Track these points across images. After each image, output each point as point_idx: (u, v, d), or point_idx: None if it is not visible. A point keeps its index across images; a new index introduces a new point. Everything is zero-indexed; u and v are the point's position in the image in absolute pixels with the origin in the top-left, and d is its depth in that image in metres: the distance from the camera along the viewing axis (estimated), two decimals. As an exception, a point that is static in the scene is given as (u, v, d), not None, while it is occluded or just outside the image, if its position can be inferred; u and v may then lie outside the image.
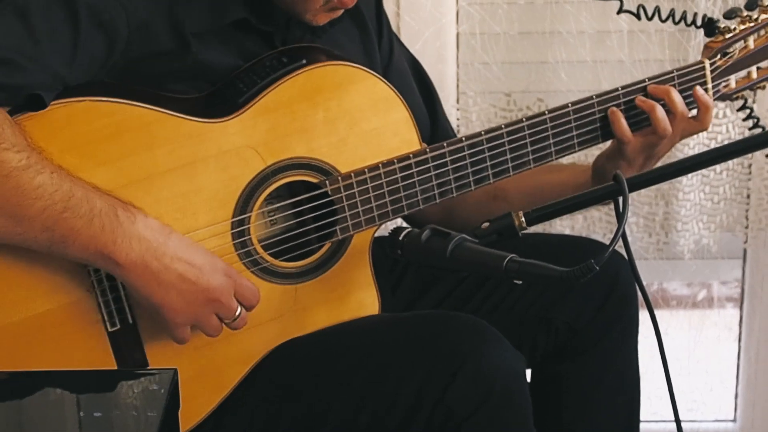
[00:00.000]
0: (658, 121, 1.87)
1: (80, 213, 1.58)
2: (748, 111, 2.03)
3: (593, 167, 1.97)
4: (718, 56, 1.94)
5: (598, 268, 1.50)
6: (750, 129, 2.05)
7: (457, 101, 2.55)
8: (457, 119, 2.55)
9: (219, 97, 1.75)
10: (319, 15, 1.77)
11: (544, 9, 2.50)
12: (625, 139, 1.88)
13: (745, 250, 2.67)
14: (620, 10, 2.00)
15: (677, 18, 1.97)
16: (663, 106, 1.87)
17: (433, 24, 2.49)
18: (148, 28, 1.67)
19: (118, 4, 1.64)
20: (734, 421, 2.78)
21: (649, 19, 1.98)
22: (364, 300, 1.86)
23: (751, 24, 1.94)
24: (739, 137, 2.53)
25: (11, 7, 1.60)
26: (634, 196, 2.59)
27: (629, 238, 2.53)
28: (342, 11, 1.79)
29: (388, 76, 1.88)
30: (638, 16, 1.99)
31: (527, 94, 2.55)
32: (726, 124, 2.55)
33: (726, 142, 2.52)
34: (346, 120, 1.76)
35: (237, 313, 1.71)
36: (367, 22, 1.97)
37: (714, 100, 1.94)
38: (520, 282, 1.59)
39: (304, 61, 1.74)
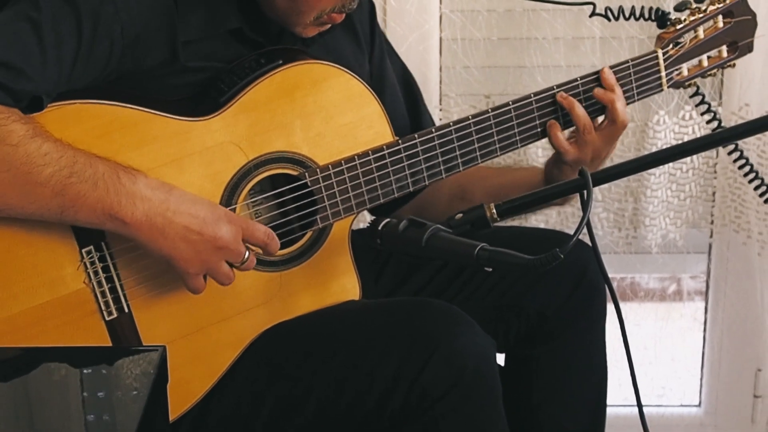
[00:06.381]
0: (578, 118, 1.87)
1: (85, 177, 1.58)
2: (700, 97, 2.05)
3: (545, 171, 1.98)
4: (671, 46, 1.95)
5: (563, 256, 1.51)
6: (702, 114, 2.07)
7: (440, 102, 2.55)
8: (440, 119, 2.55)
9: (202, 97, 1.75)
10: (308, 28, 1.78)
11: (522, 16, 2.50)
12: (562, 150, 1.89)
13: (710, 245, 2.66)
14: (593, 14, 2.02)
15: (637, 14, 1.99)
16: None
17: (417, 29, 2.48)
18: (142, 41, 1.67)
19: (117, 18, 1.64)
20: (699, 405, 2.77)
21: (617, 19, 2.01)
22: (346, 285, 1.86)
23: (701, 15, 1.95)
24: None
25: (24, 14, 1.60)
26: (604, 193, 2.59)
27: (600, 233, 2.57)
28: (330, 25, 1.79)
29: (378, 88, 1.89)
30: (608, 18, 2.01)
31: (505, 96, 2.54)
32: (692, 126, 2.54)
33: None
34: (322, 115, 1.77)
35: (246, 256, 1.70)
36: (359, 34, 1.97)
37: (668, 87, 1.96)
38: (491, 269, 1.59)
39: (281, 62, 1.75)
